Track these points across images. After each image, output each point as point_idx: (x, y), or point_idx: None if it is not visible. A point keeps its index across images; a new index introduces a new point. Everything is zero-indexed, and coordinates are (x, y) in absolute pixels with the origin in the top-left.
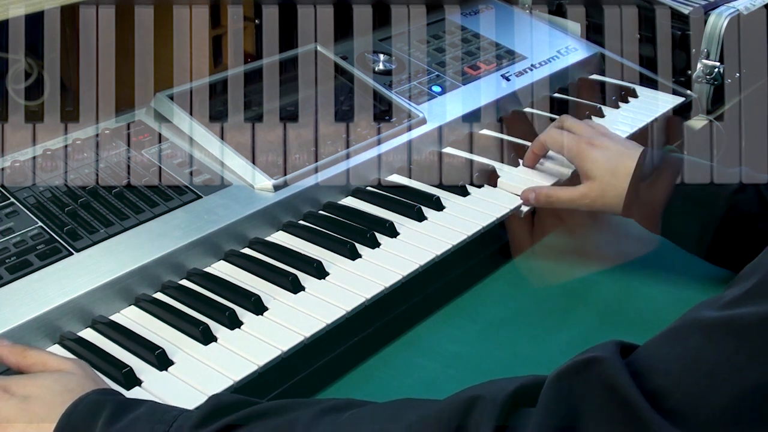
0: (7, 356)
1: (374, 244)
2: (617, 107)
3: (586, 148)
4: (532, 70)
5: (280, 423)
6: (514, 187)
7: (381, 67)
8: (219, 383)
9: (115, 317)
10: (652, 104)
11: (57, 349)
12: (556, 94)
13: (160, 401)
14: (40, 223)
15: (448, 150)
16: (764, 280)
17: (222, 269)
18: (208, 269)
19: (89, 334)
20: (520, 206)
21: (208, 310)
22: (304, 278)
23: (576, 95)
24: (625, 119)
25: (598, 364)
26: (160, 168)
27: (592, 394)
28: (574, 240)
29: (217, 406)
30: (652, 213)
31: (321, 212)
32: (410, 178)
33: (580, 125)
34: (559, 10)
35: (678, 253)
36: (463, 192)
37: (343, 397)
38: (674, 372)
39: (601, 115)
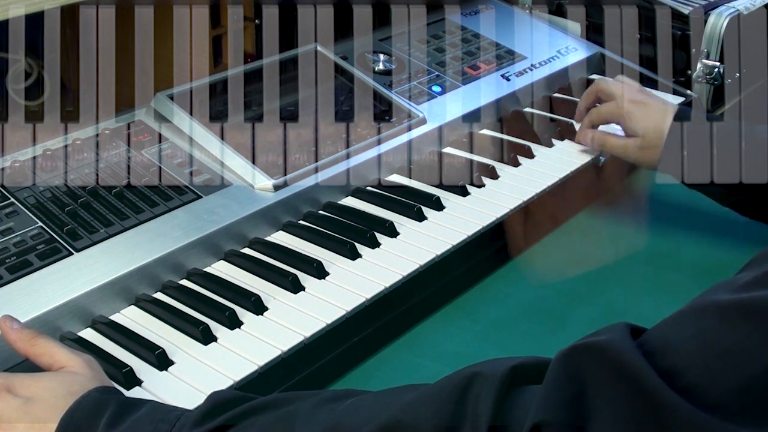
0: (15, 341)
1: (374, 244)
2: None
3: (629, 109)
4: (532, 70)
5: (281, 414)
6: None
7: (381, 67)
8: (219, 383)
9: (115, 317)
10: None
11: None
12: (556, 94)
13: (161, 401)
14: (40, 223)
15: (448, 150)
16: None
17: (222, 269)
18: (208, 269)
19: (89, 334)
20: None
21: (208, 310)
22: (304, 278)
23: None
24: None
25: (609, 342)
26: (160, 168)
27: (601, 371)
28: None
29: (217, 402)
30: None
31: (321, 212)
32: (410, 178)
33: (615, 85)
34: (559, 10)
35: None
36: (463, 192)
37: None
38: (687, 352)
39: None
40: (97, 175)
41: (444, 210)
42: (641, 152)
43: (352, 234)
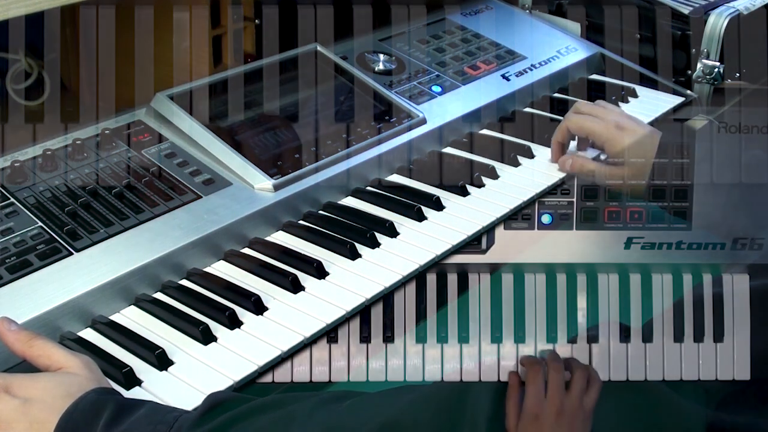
0: (13, 343)
1: (374, 244)
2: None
3: (616, 134)
4: (531, 70)
5: (279, 415)
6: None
7: (381, 67)
8: (219, 383)
9: (115, 317)
10: (652, 104)
11: None
12: (556, 94)
13: (160, 401)
14: (40, 223)
15: (448, 150)
16: None
17: (222, 269)
18: (208, 269)
19: (89, 334)
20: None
21: (208, 310)
22: (304, 278)
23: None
24: None
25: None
26: (160, 168)
27: None
28: None
29: (215, 403)
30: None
31: (321, 212)
32: (410, 178)
33: (597, 108)
34: (559, 10)
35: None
36: (463, 192)
37: None
38: None
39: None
40: (97, 175)
41: (444, 210)
42: (624, 183)
43: (352, 234)
